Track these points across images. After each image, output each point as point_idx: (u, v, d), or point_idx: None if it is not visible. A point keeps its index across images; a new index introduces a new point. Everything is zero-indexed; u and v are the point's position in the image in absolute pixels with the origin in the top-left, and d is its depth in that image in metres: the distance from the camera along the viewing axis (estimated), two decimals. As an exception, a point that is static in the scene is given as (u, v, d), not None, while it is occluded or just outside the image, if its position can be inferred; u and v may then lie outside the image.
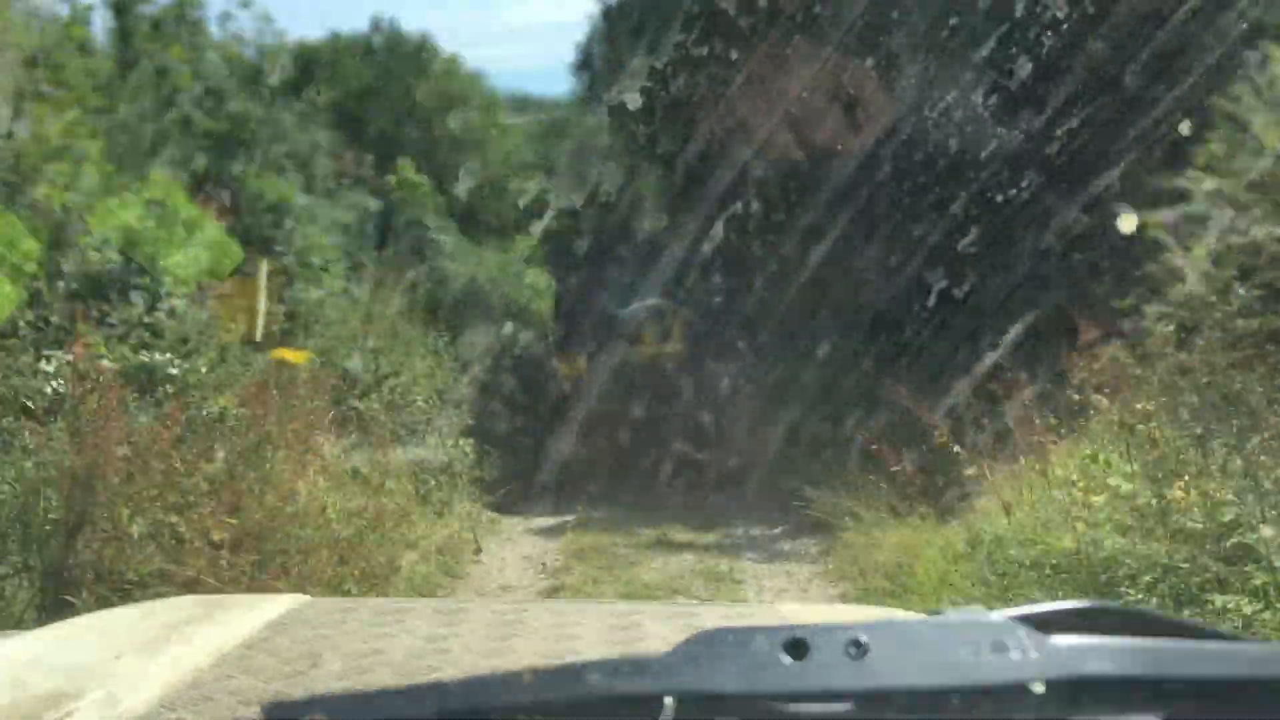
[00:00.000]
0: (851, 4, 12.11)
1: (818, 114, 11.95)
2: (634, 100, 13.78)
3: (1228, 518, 5.52)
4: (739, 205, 12.92)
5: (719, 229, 12.96)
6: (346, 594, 6.90)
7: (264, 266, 12.27)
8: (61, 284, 9.56)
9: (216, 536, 6.53)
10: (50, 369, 7.93)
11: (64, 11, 14.42)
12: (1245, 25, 9.78)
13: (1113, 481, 6.30)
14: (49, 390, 7.62)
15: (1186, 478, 5.82)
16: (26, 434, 6.80)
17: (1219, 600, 5.18)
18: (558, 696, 0.92)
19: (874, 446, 8.50)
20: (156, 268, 10.14)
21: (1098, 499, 6.26)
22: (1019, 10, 11.68)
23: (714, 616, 2.38)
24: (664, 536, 10.22)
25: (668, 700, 0.88)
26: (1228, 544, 5.41)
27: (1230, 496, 5.60)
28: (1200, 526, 5.58)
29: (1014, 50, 11.69)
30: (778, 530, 10.59)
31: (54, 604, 5.83)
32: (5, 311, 8.30)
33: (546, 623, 2.26)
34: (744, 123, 12.43)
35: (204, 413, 7.78)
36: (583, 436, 12.73)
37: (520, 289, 17.68)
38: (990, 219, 11.53)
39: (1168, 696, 0.93)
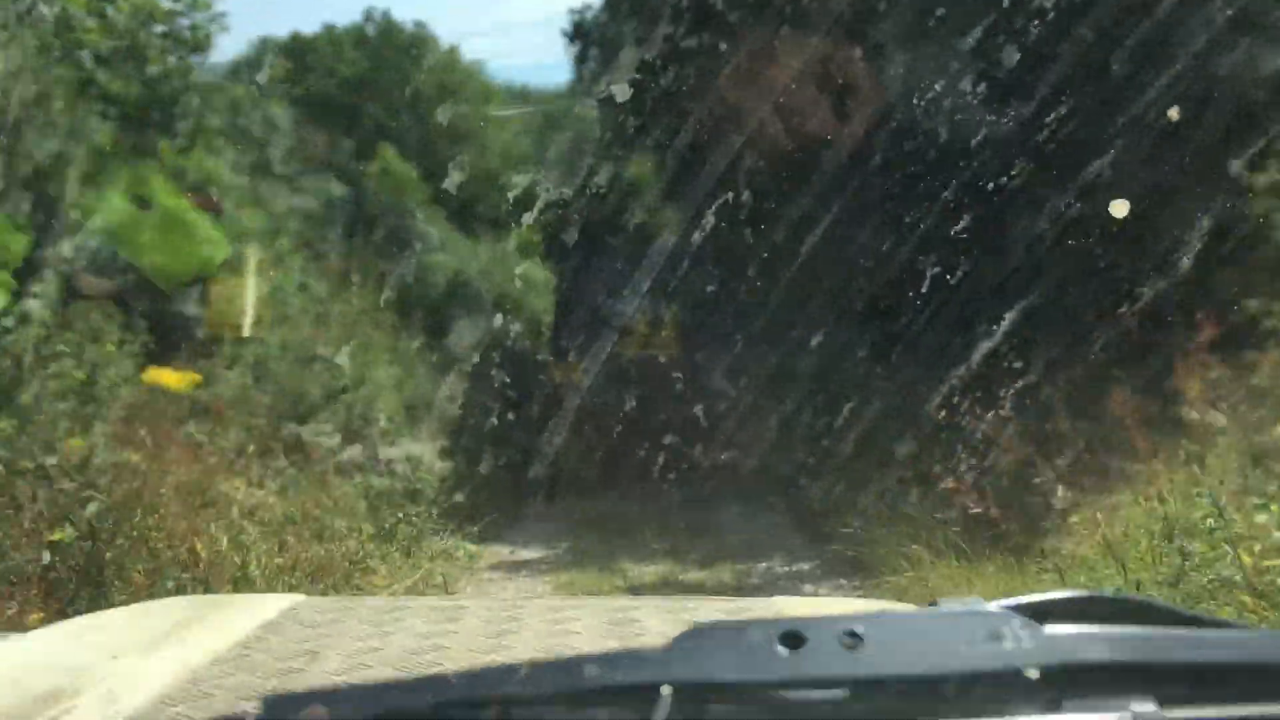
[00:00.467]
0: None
1: (811, 103, 11.91)
2: (623, 92, 13.78)
3: None
4: (730, 195, 12.85)
5: (710, 220, 12.88)
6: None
7: (252, 258, 11.74)
8: None
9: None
10: None
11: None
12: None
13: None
14: None
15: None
16: None
17: None
18: (555, 688, 0.93)
19: (941, 479, 6.96)
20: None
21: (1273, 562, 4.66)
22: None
23: (710, 611, 2.39)
24: (671, 576, 9.09)
25: (664, 690, 0.89)
26: None
27: None
28: None
29: (1011, 38, 11.55)
30: (805, 567, 9.19)
31: None
32: None
33: (544, 619, 2.27)
34: (735, 113, 12.42)
35: (47, 462, 6.09)
36: (577, 449, 11.60)
37: (511, 281, 16.25)
38: (1056, 205, 10.04)
39: (1161, 682, 0.95)
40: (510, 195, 16.54)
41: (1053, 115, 11.21)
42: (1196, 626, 1.06)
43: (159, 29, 16.20)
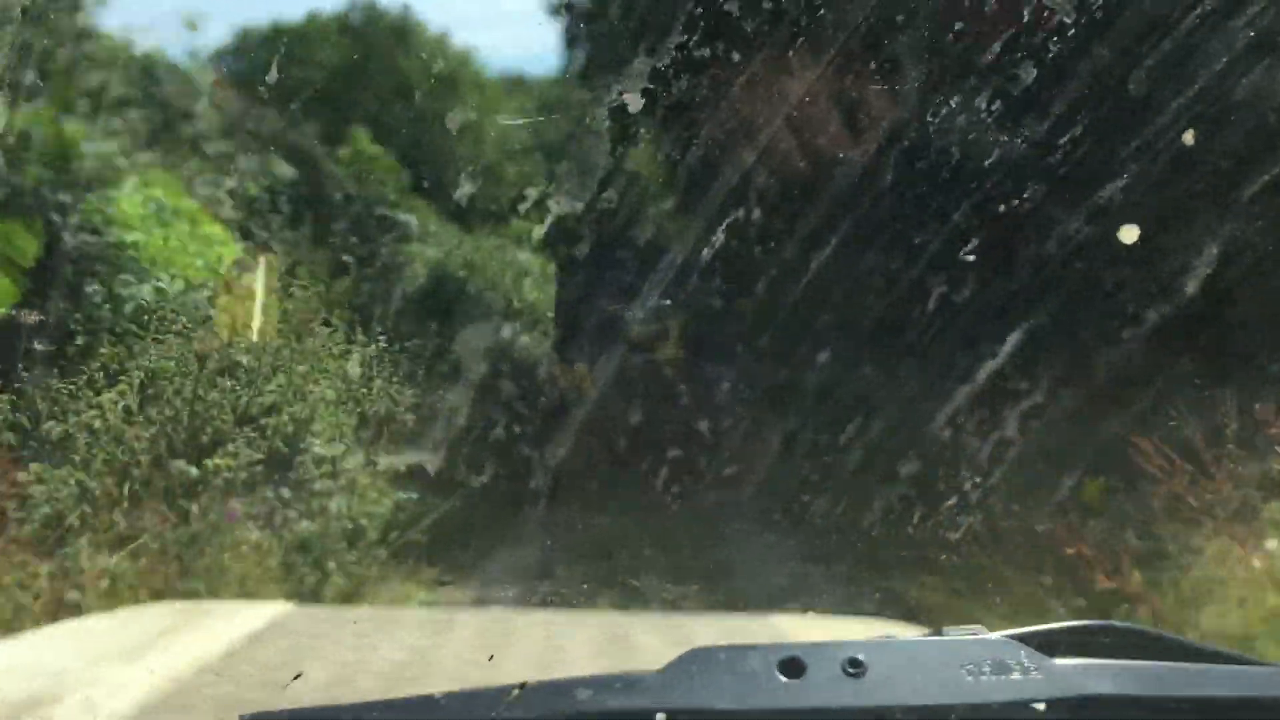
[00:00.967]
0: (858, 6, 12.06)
1: (823, 118, 11.90)
2: (635, 102, 13.77)
3: None
4: (741, 211, 12.83)
5: (719, 233, 12.83)
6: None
7: (263, 261, 11.04)
8: None
9: None
10: None
11: None
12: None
13: None
14: None
15: None
16: None
17: None
18: (547, 713, 0.91)
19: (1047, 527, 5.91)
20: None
21: None
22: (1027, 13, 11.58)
23: (704, 627, 2.36)
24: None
25: (659, 718, 0.87)
26: None
27: None
28: None
29: (1027, 56, 11.52)
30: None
31: None
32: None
33: (535, 634, 2.25)
34: (748, 127, 12.42)
35: None
36: (569, 466, 10.26)
37: (504, 275, 15.20)
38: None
39: (1168, 716, 0.93)
40: (521, 207, 16.20)
41: (1068, 136, 11.21)
42: (1206, 660, 1.05)
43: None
